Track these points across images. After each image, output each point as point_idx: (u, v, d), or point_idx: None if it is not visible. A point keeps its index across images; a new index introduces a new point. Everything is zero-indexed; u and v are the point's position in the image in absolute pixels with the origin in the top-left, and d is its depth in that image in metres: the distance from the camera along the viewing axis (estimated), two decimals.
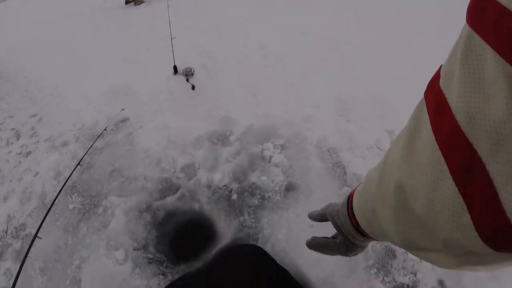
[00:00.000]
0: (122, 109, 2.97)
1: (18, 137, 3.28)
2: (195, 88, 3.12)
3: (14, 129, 3.41)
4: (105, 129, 2.72)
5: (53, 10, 6.48)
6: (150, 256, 2.03)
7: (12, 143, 3.23)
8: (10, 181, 2.80)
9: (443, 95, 0.30)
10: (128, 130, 2.91)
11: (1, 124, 3.61)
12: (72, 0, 6.75)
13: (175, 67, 3.27)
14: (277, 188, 2.29)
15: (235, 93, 3.13)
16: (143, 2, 6.21)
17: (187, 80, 3.19)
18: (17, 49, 5.03)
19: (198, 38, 4.13)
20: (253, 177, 2.38)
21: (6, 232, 2.33)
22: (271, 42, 3.93)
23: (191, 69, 3.25)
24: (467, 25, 0.28)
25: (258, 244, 1.98)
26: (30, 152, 3.01)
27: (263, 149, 2.57)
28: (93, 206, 2.34)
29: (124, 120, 3.03)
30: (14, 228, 2.35)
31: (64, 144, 2.94)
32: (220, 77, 3.35)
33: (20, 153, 3.04)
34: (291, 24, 4.38)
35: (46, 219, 1.51)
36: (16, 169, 2.88)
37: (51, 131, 3.14)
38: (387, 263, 1.87)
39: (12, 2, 7.69)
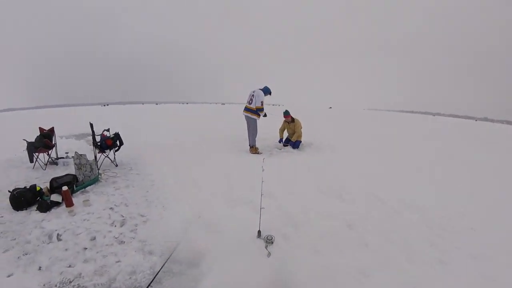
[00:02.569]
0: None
1: (122, 224, 4.02)
2: (270, 256, 3.33)
3: (123, 216, 4.23)
4: (164, 263, 3.14)
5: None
6: None
7: (115, 226, 3.99)
8: (97, 252, 3.37)
9: None
10: (194, 274, 3.14)
11: (117, 206, 4.57)
12: None
13: (259, 232, 3.62)
14: None
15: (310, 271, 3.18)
16: (259, 153, 7.84)
17: (266, 247, 3.39)
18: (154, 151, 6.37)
19: (287, 203, 4.53)
20: None
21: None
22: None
23: (272, 237, 3.52)
24: None
25: None
26: (124, 242, 3.59)
27: None
28: None
29: (202, 255, 3.35)
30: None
31: (150, 252, 3.44)
32: (298, 251, 3.43)
33: (116, 238, 3.67)
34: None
35: None
36: (106, 247, 3.45)
37: (147, 236, 3.73)
38: None
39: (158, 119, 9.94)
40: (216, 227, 3.82)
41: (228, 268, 3.07)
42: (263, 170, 4.16)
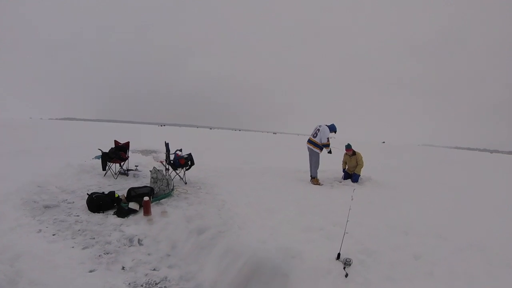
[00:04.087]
0: None
1: (200, 235, 4.21)
2: (347, 277, 3.40)
3: (201, 229, 4.44)
4: None
5: None
6: None
7: (194, 236, 4.18)
8: (180, 259, 3.58)
9: None
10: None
11: (193, 220, 4.83)
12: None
13: (339, 254, 3.71)
14: None
15: None
16: (320, 184, 7.85)
17: (344, 268, 3.51)
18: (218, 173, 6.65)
19: (357, 232, 4.44)
20: None
21: None
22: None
23: (350, 260, 3.60)
24: None
25: None
26: (204, 252, 3.77)
27: None
28: None
29: (283, 275, 3.41)
30: None
31: (232, 264, 3.56)
32: (373, 276, 3.48)
33: (196, 247, 3.86)
34: None
35: None
36: (189, 256, 3.65)
37: (226, 249, 3.85)
38: None
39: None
40: (292, 250, 3.87)
41: (309, 285, 3.22)
42: (352, 199, 4.34)
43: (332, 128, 8.74)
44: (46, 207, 5.35)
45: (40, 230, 4.43)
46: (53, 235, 4.33)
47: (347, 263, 3.57)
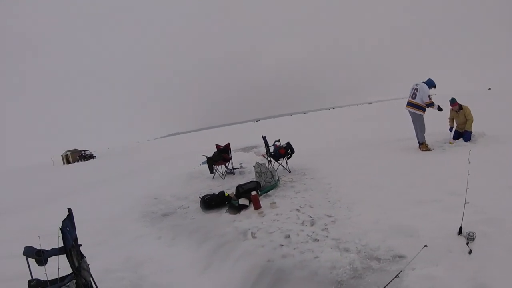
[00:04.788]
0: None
1: (312, 224, 4.15)
2: (471, 253, 2.99)
3: (311, 217, 4.38)
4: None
5: None
6: None
7: (306, 225, 4.14)
8: (294, 248, 3.56)
9: None
10: (394, 270, 3.04)
11: (302, 207, 4.80)
12: None
13: (460, 228, 3.28)
14: None
15: None
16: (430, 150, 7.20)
17: (467, 244, 3.12)
18: (318, 156, 6.47)
19: (478, 200, 3.86)
20: None
21: None
22: None
23: (474, 233, 3.16)
24: None
25: None
26: (318, 240, 3.68)
27: None
28: None
29: (400, 257, 3.21)
30: None
31: (346, 250, 3.41)
32: (498, 251, 2.96)
33: (310, 236, 3.79)
34: None
35: None
36: (302, 244, 3.62)
37: (339, 235, 3.74)
38: None
39: None
40: (408, 227, 3.60)
41: (429, 266, 2.88)
42: (469, 162, 3.74)
43: (430, 83, 7.77)
44: (164, 215, 5.91)
45: (160, 237, 4.89)
46: (172, 239, 4.74)
47: (470, 238, 3.17)
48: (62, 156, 58.83)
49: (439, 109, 7.73)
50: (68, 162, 54.87)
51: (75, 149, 59.65)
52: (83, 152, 58.18)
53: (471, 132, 7.81)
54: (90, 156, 54.91)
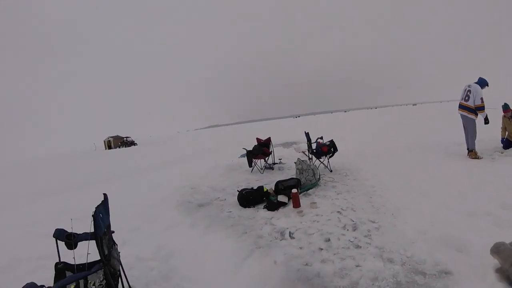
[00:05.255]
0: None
1: (354, 229, 3.96)
2: None
3: (354, 221, 4.19)
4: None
5: None
6: None
7: (348, 229, 3.97)
8: (334, 254, 3.39)
9: None
10: (446, 283, 2.82)
11: (344, 210, 4.62)
12: None
13: None
14: None
15: None
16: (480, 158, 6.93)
17: None
18: (362, 157, 6.21)
19: None
20: None
21: None
22: None
23: None
24: None
25: None
26: (360, 246, 3.50)
27: None
28: None
29: (447, 273, 2.97)
30: None
31: (390, 260, 3.21)
32: None
33: (351, 242, 3.62)
34: None
35: None
36: (343, 250, 3.45)
37: (383, 243, 3.53)
38: None
39: None
40: (457, 240, 3.37)
41: (477, 286, 2.67)
42: None
43: (483, 83, 7.21)
44: (200, 205, 5.94)
45: (193, 226, 4.90)
46: (206, 228, 4.74)
47: None
48: (104, 141, 61.64)
49: (486, 120, 7.19)
50: (110, 148, 57.40)
51: (117, 135, 62.29)
52: (125, 138, 60.64)
53: None
54: (132, 143, 57.09)
